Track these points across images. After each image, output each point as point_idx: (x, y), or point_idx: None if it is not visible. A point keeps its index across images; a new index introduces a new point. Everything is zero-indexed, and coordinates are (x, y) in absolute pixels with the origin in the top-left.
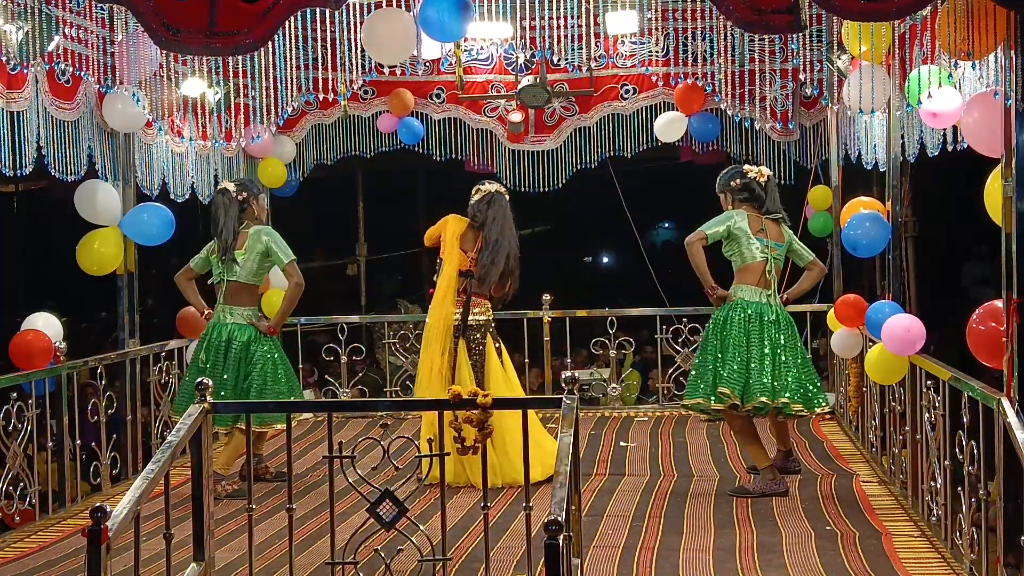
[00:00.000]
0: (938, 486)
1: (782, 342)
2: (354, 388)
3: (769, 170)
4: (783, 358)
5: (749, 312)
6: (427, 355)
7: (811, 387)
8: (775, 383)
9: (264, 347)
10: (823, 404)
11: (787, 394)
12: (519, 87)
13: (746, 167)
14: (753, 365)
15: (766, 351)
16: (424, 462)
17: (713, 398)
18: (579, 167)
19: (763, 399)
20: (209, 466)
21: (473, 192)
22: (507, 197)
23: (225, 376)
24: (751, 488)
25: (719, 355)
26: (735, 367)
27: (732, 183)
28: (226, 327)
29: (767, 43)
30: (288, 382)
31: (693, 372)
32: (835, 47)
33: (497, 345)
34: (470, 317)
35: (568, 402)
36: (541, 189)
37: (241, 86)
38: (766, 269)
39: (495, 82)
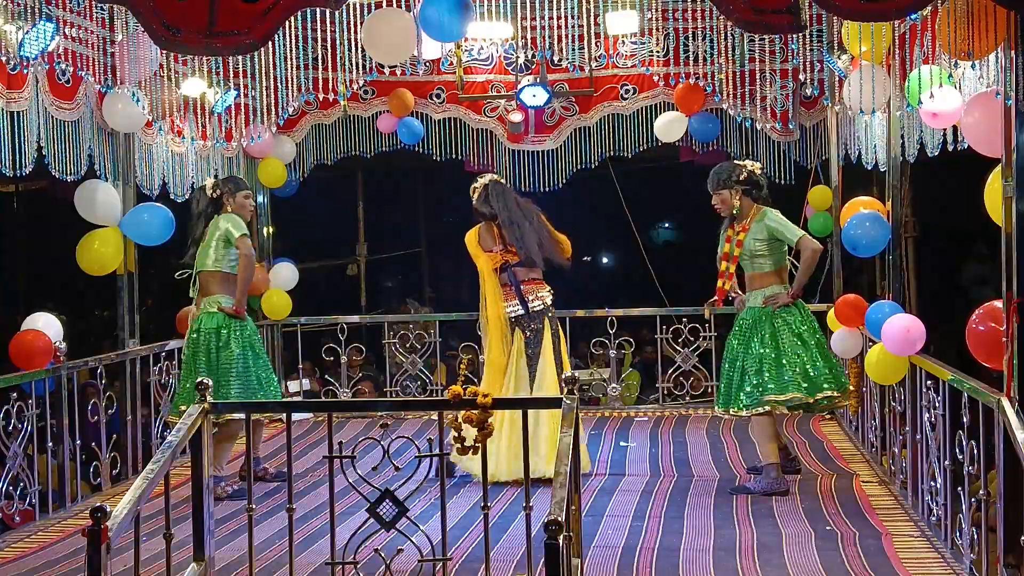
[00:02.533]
0: (938, 486)
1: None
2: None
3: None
4: (800, 349)
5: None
6: (489, 352)
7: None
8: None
9: (233, 344)
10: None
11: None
12: (519, 87)
13: (737, 162)
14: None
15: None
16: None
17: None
18: (579, 167)
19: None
20: (209, 466)
21: (471, 193)
22: (502, 181)
23: (201, 367)
24: (753, 487)
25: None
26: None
27: (740, 176)
28: (198, 320)
29: (767, 43)
30: (254, 381)
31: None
32: (835, 47)
33: (555, 330)
34: (530, 305)
35: (568, 402)
36: (541, 189)
37: (242, 86)
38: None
39: (495, 82)
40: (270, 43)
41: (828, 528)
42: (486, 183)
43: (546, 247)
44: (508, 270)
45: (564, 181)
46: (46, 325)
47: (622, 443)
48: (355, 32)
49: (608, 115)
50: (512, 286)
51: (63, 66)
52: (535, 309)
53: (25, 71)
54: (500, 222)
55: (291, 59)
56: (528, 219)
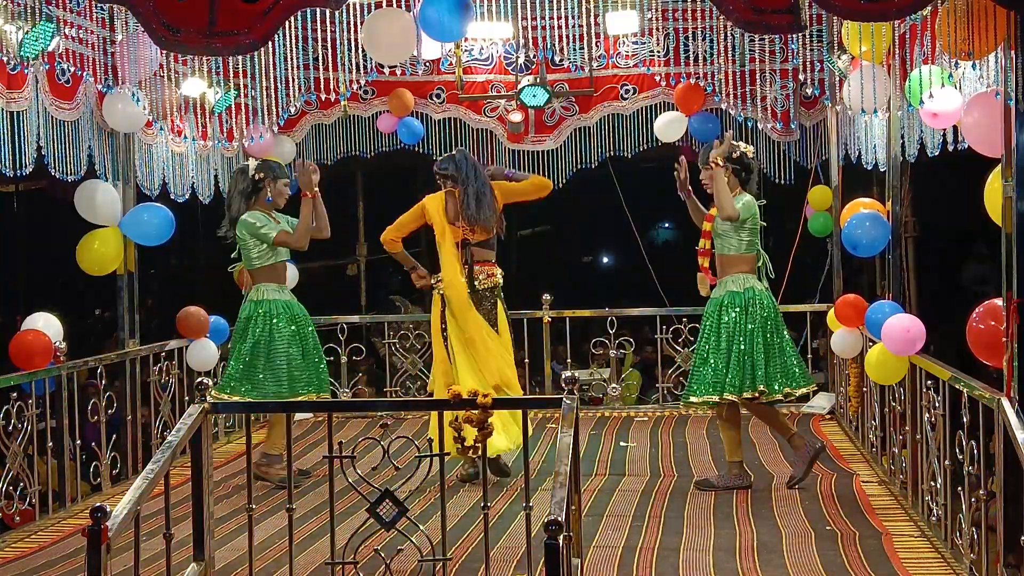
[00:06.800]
0: (938, 486)
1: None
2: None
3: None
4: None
5: (741, 304)
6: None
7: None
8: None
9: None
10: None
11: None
12: (519, 87)
13: (732, 140)
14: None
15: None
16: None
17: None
18: (579, 167)
19: (762, 387)
20: (209, 466)
21: (435, 164)
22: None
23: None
24: (716, 482)
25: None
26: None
27: (731, 155)
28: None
29: (767, 43)
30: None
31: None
32: (835, 47)
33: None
34: (477, 283)
35: (568, 402)
36: None
37: (242, 86)
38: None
39: (495, 82)
40: (270, 43)
41: (828, 528)
42: (454, 152)
43: (494, 223)
44: (467, 247)
45: (564, 181)
46: (46, 325)
47: (622, 443)
48: (355, 32)
49: (608, 115)
50: (465, 264)
51: (63, 66)
52: (484, 287)
53: (25, 71)
54: (462, 187)
55: (291, 59)
56: (487, 187)
